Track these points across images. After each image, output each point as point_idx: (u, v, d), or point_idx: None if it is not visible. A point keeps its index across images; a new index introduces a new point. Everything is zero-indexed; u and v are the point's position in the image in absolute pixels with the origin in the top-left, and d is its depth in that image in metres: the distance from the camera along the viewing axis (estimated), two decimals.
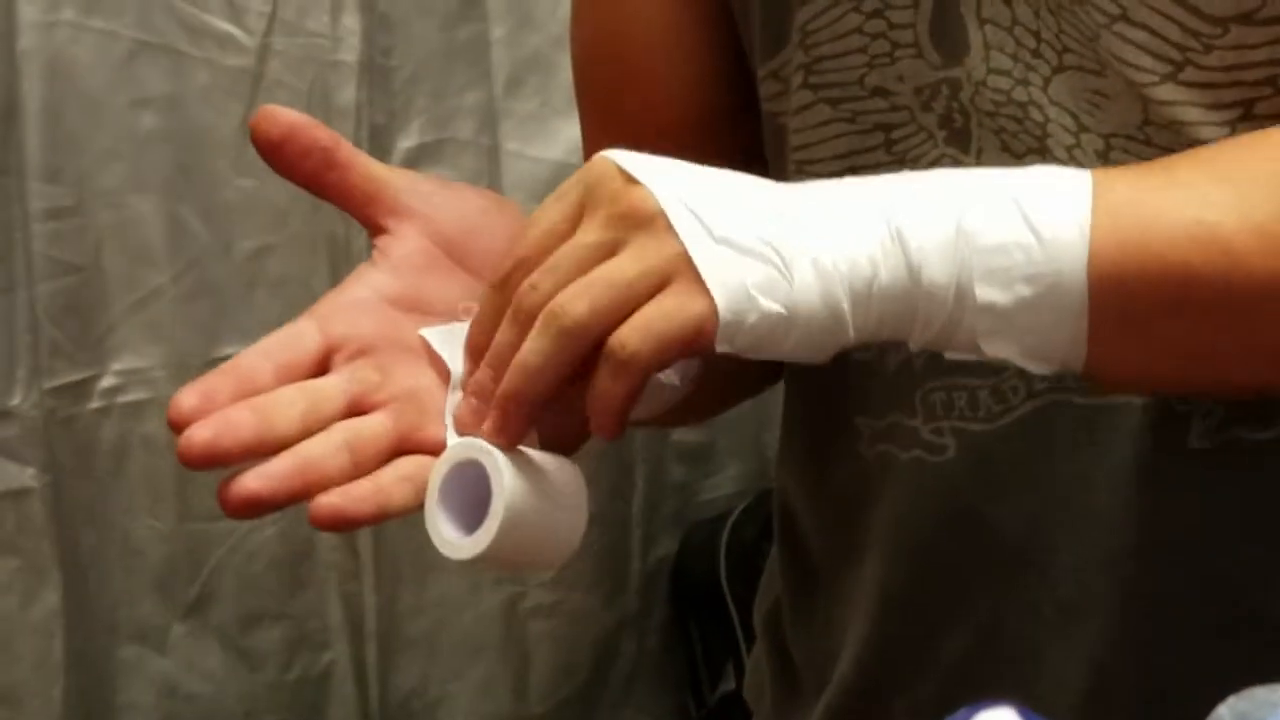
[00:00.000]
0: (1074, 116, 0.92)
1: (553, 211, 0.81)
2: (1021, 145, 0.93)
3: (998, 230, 0.79)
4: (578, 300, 0.78)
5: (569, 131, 2.01)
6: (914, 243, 0.79)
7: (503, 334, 0.81)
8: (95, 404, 1.90)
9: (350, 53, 1.93)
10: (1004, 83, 0.93)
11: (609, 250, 0.79)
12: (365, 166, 0.91)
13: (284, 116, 0.88)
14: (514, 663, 2.12)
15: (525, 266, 0.81)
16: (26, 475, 1.84)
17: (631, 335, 0.78)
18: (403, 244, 0.91)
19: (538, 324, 0.79)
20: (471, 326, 0.84)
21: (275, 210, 1.93)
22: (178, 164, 1.89)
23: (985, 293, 0.79)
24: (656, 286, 0.78)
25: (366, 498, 0.82)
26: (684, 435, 2.18)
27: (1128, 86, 0.90)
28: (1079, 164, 0.91)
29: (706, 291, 0.78)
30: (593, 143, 1.13)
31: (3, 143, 1.79)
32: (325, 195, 0.91)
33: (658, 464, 2.17)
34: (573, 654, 2.15)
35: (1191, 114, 0.90)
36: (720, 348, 0.79)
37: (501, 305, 0.82)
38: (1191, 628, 0.96)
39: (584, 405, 0.80)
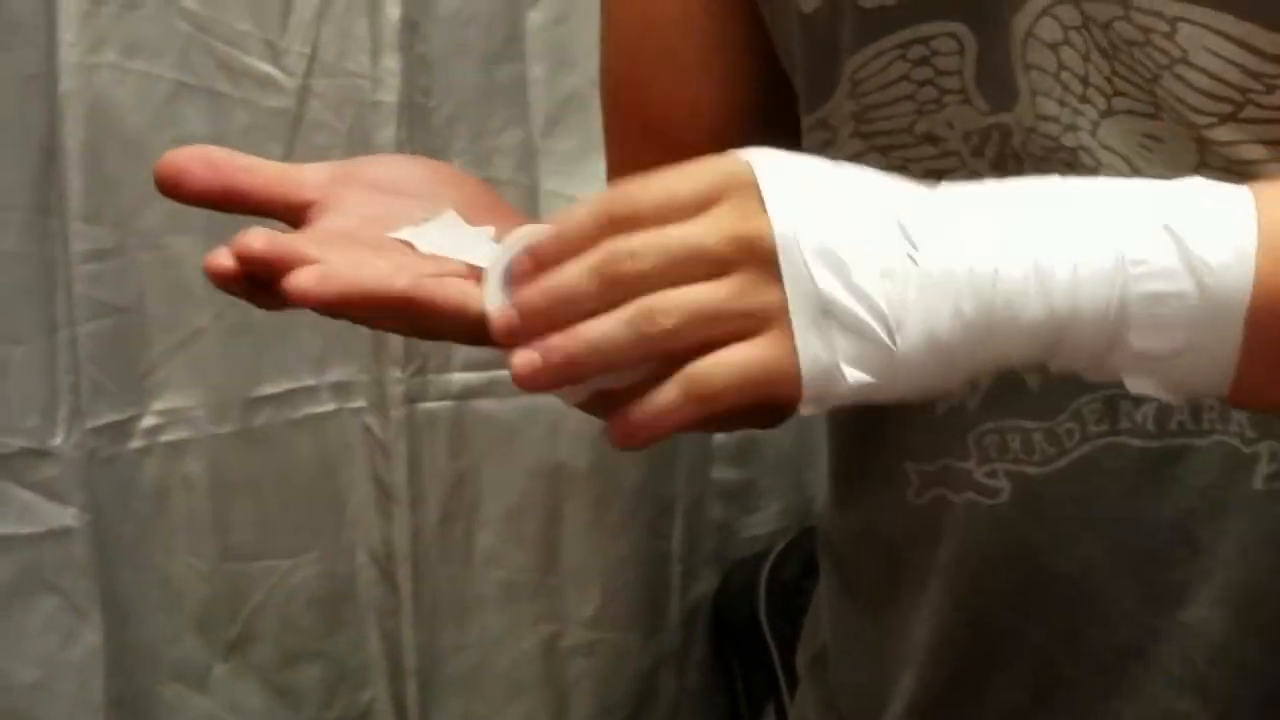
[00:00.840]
0: (1126, 160, 0.92)
1: (683, 186, 0.77)
2: None
3: (1158, 275, 0.76)
4: (673, 313, 0.75)
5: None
6: (1062, 284, 0.76)
7: (579, 278, 0.77)
8: (136, 443, 1.90)
9: (390, 93, 1.93)
10: (1053, 129, 0.93)
11: (720, 267, 0.76)
12: (268, 168, 0.87)
13: (176, 157, 0.85)
14: (553, 701, 2.12)
15: (635, 220, 0.77)
16: (68, 515, 1.85)
17: (718, 373, 0.76)
18: (340, 207, 0.87)
19: (626, 311, 0.76)
20: (551, 231, 0.79)
21: None
22: None
23: (1141, 341, 0.77)
24: (752, 329, 0.76)
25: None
26: (725, 473, 2.18)
27: (1184, 129, 0.90)
28: None
29: (793, 352, 0.75)
30: (615, 144, 1.13)
31: (44, 184, 1.80)
32: (243, 208, 0.87)
33: (698, 502, 2.17)
34: (612, 692, 2.15)
35: (1251, 153, 0.89)
36: (803, 411, 0.77)
37: (594, 236, 0.77)
38: (1255, 670, 0.95)
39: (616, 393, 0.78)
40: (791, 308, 0.75)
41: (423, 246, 0.84)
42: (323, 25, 1.92)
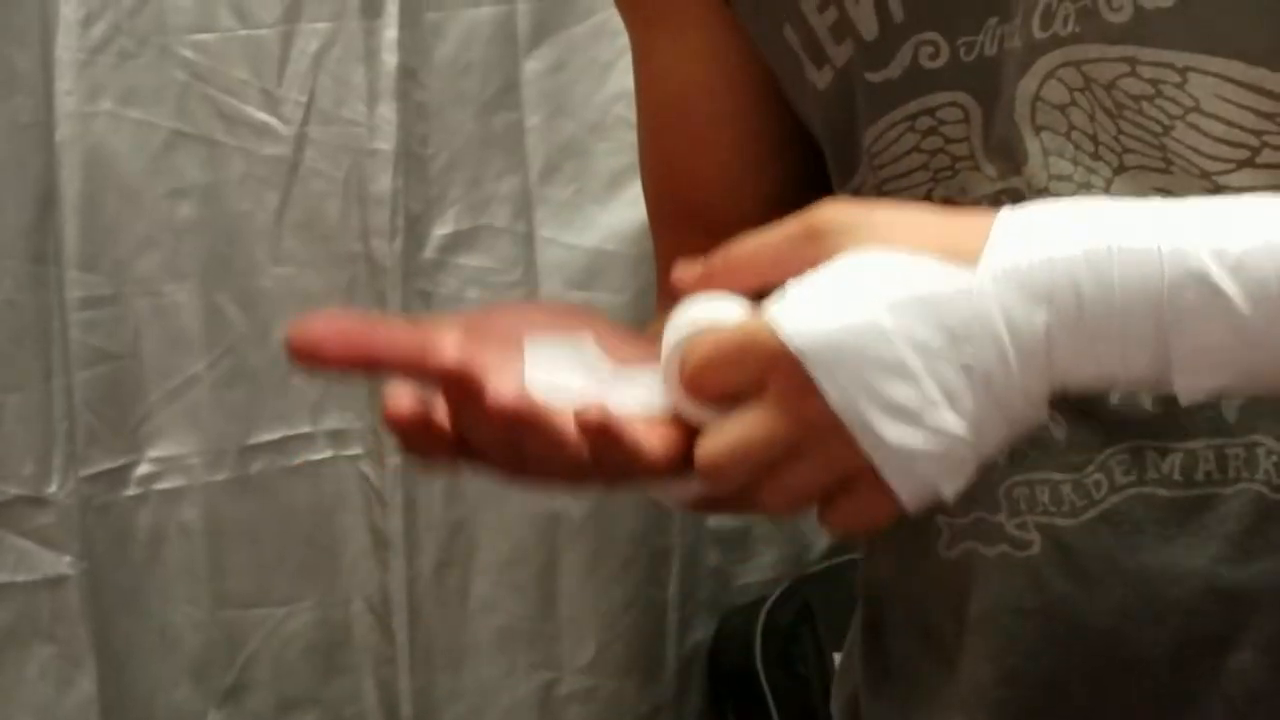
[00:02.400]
0: None
1: (731, 376, 0.81)
2: None
3: (1200, 329, 0.78)
4: (780, 505, 0.81)
5: (604, 218, 2.02)
6: (1114, 346, 0.78)
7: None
8: (131, 491, 1.90)
9: (386, 141, 1.94)
10: (1067, 188, 0.93)
11: (794, 450, 0.79)
12: (404, 337, 0.85)
13: (308, 332, 0.83)
14: None
15: (720, 474, 0.82)
16: (63, 562, 1.85)
17: (837, 522, 0.81)
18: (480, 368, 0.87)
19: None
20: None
21: (311, 297, 1.94)
22: (214, 252, 1.91)
23: (1185, 382, 0.79)
24: (843, 487, 0.80)
25: None
26: (720, 521, 2.18)
27: (1196, 179, 0.91)
28: None
29: (891, 492, 0.79)
30: (658, 225, 1.14)
31: (41, 232, 1.81)
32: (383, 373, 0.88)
33: (694, 549, 2.16)
34: None
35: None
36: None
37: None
38: None
39: None
40: (872, 460, 0.79)
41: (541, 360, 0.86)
42: (320, 73, 1.92)
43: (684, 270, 0.83)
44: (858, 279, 0.78)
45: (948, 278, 0.78)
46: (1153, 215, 0.78)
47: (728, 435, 0.80)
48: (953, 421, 0.78)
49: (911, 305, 0.78)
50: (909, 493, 0.79)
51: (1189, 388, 0.79)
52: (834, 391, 0.78)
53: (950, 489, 0.79)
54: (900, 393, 0.78)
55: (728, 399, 0.80)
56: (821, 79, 0.99)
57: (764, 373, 0.79)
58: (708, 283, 0.82)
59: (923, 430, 0.78)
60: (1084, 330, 0.77)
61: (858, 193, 1.00)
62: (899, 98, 0.97)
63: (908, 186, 0.98)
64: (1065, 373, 0.79)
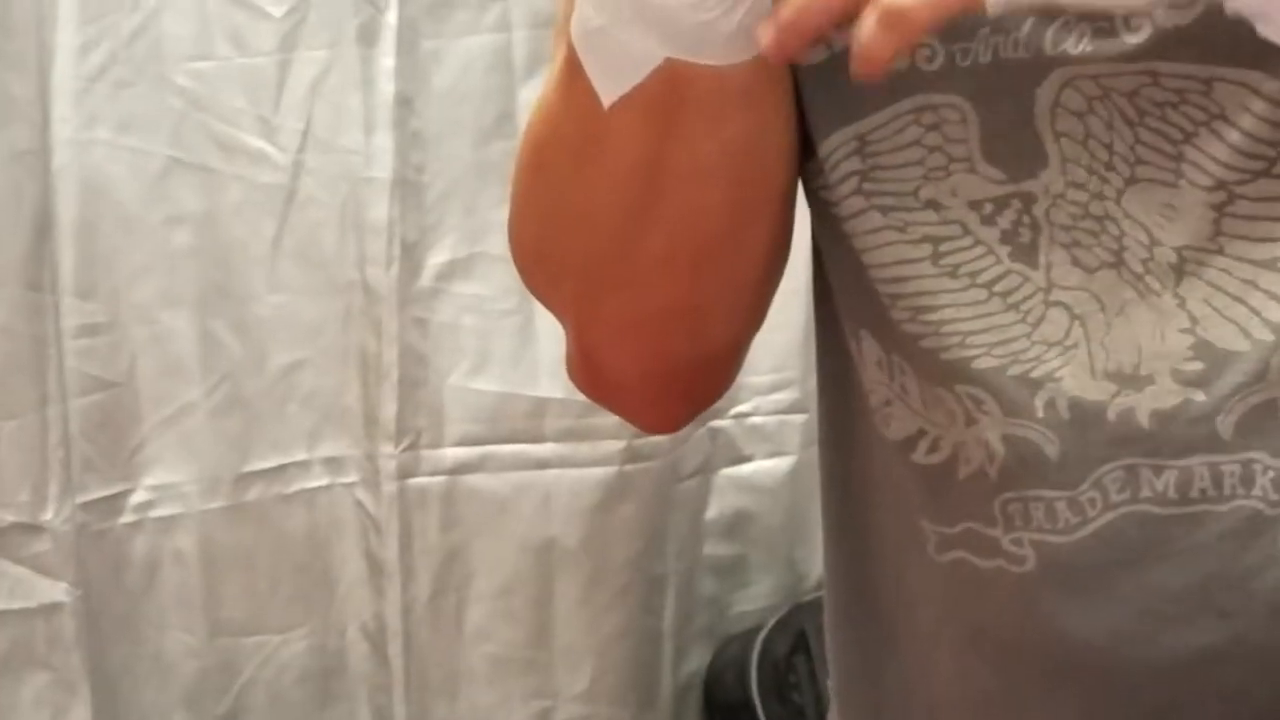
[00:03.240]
0: (1146, 230, 0.93)
1: None
2: (1095, 259, 0.94)
3: None
4: None
5: None
6: None
7: None
8: (127, 519, 1.90)
9: (383, 169, 1.94)
10: (1081, 196, 0.94)
11: None
12: None
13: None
14: None
15: None
16: (58, 590, 1.85)
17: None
18: None
19: None
20: None
21: (307, 325, 1.94)
22: (210, 280, 1.91)
23: None
24: None
25: None
26: (716, 549, 2.18)
27: (1203, 193, 0.91)
28: (1155, 278, 0.92)
29: None
30: None
31: (37, 259, 1.81)
32: None
33: (689, 578, 2.16)
34: None
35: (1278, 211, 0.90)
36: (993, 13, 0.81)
37: None
38: None
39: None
40: None
41: None
42: (316, 101, 1.93)
43: None
44: None
45: None
46: None
47: None
48: None
49: None
50: None
51: None
52: None
53: None
54: None
55: None
56: (817, 55, 0.99)
57: None
58: None
59: None
60: None
61: (823, 174, 1.01)
62: (902, 92, 0.97)
63: (896, 179, 0.98)
64: None
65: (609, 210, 0.95)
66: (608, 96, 0.89)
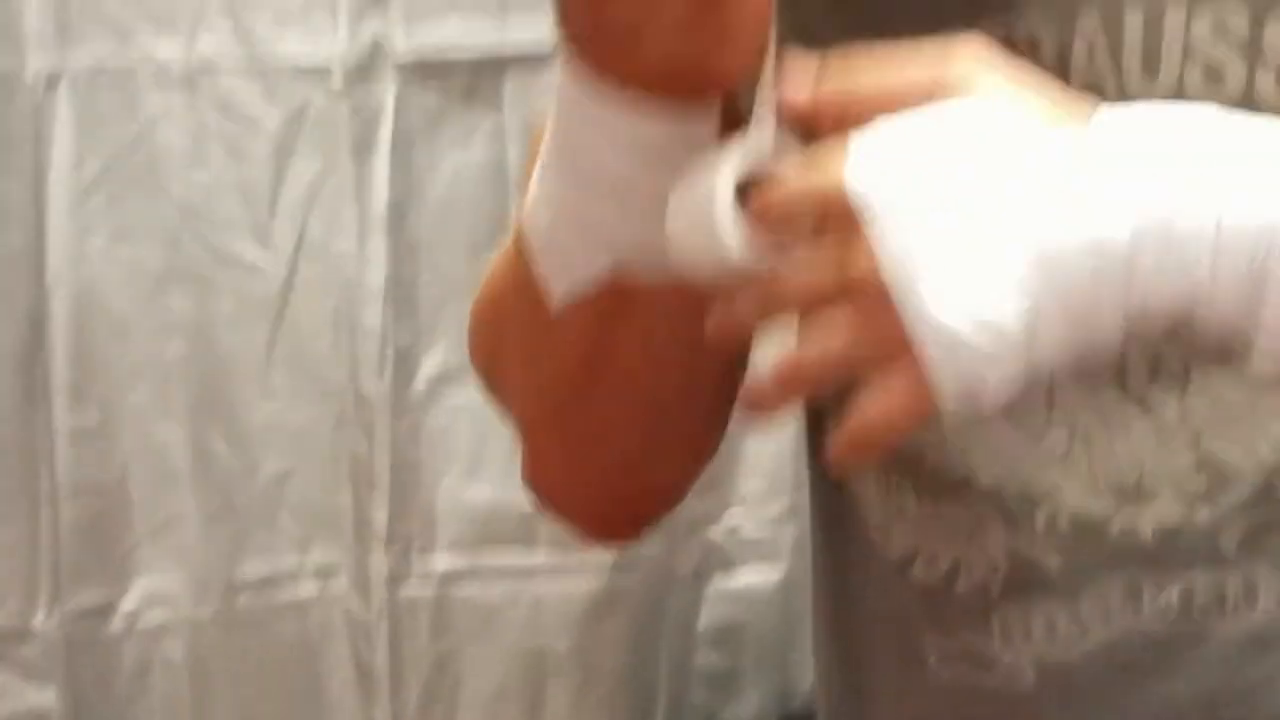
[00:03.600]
0: (1150, 344, 0.92)
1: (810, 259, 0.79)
2: (1097, 375, 0.93)
3: None
4: (814, 374, 0.79)
5: None
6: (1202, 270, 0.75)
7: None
8: (116, 625, 1.90)
9: (376, 275, 1.95)
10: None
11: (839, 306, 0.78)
12: None
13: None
14: None
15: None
16: (46, 696, 1.84)
17: (873, 427, 0.78)
18: None
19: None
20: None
21: (298, 433, 1.94)
22: (203, 388, 1.91)
23: (1269, 344, 0.77)
24: (882, 363, 0.77)
25: None
26: (708, 658, 2.17)
27: None
28: (1159, 392, 0.91)
29: (932, 385, 0.76)
30: None
31: (30, 365, 1.81)
32: None
33: (680, 687, 2.15)
34: None
35: None
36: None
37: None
38: None
39: None
40: (914, 341, 0.75)
41: None
42: (311, 208, 1.94)
43: (797, 86, 0.79)
44: (941, 131, 0.76)
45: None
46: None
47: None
48: (1010, 308, 0.75)
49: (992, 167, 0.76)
50: (954, 386, 0.75)
51: (1272, 350, 0.77)
52: (885, 237, 0.75)
53: (997, 386, 0.76)
54: (976, 244, 0.75)
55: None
56: None
57: (826, 220, 0.77)
58: (817, 111, 0.79)
59: (973, 314, 0.75)
60: (1173, 241, 0.75)
61: None
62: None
63: None
64: (1145, 289, 0.76)
65: (554, 386, 0.93)
66: (558, 298, 0.87)
